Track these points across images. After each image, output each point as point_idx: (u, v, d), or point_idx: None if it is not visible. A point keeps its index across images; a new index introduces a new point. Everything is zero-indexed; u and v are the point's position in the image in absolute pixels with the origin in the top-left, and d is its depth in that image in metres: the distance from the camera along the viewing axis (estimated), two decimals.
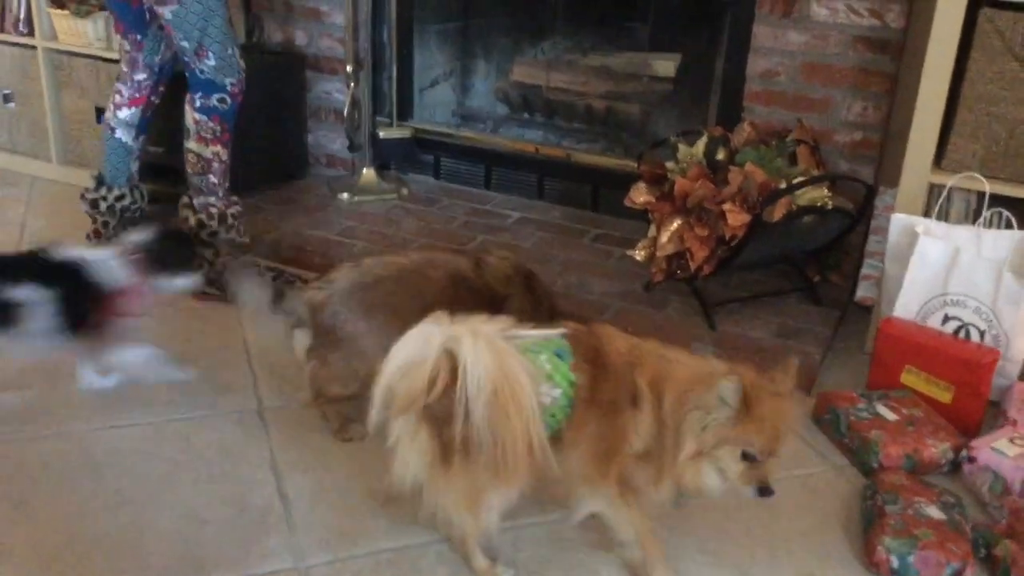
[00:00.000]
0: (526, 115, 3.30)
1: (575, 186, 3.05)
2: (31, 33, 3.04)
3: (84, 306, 1.86)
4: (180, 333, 2.29)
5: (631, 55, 3.14)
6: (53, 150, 3.15)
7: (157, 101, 2.52)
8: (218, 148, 2.39)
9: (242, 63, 2.37)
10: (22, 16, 3.05)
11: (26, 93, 3.13)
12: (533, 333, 1.47)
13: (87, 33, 2.92)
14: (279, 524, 1.66)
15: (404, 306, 1.74)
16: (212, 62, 2.30)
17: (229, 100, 2.36)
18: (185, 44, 2.28)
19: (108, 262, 1.90)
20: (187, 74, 2.35)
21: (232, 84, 2.35)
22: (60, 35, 3.00)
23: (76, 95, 3.04)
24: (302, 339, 1.87)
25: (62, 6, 2.94)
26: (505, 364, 1.34)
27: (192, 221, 2.42)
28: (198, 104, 2.35)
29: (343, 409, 1.92)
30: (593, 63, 3.19)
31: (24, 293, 1.79)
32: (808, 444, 1.98)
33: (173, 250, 1.98)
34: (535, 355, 1.45)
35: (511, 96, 3.32)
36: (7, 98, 3.17)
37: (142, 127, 2.52)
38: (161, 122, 2.63)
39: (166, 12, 2.24)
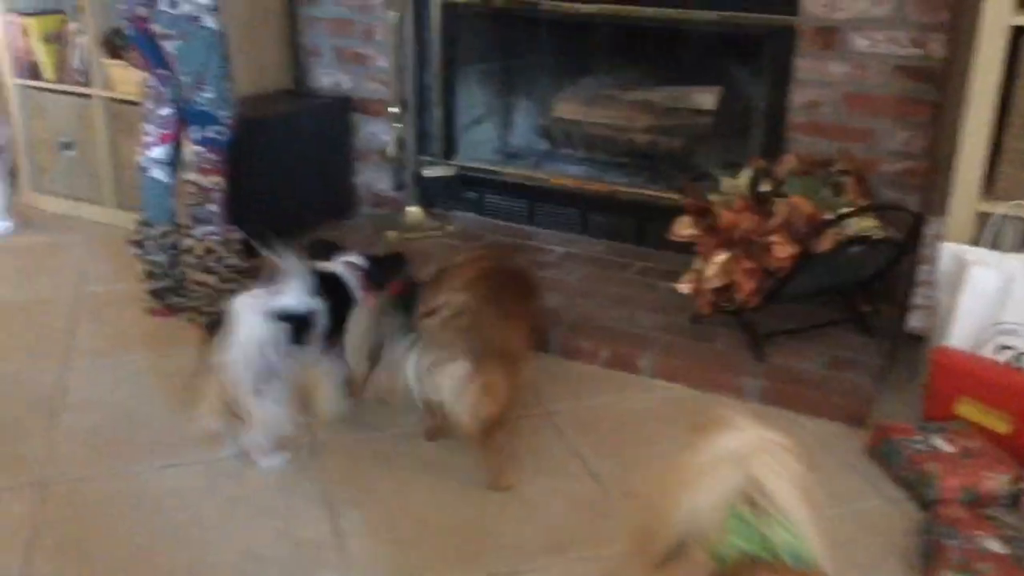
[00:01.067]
0: (568, 151, 3.33)
1: (618, 220, 3.06)
2: (88, 83, 3.15)
3: (341, 321, 1.94)
4: None
5: (672, 89, 3.16)
6: (109, 195, 3.24)
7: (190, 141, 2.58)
8: (217, 178, 2.48)
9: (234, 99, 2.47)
10: (80, 67, 3.16)
11: (83, 141, 3.23)
12: None
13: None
14: (333, 559, 1.68)
15: (506, 300, 1.89)
16: (210, 95, 2.40)
17: (225, 132, 2.46)
18: (185, 77, 2.38)
19: (351, 278, 2.05)
20: (183, 107, 2.44)
21: (227, 117, 2.45)
22: (116, 85, 3.10)
23: (132, 142, 3.13)
24: (451, 371, 1.77)
25: (118, 56, 3.04)
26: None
27: (198, 250, 2.49)
28: (196, 136, 2.45)
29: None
30: (634, 98, 3.21)
31: (315, 304, 1.93)
32: (863, 477, 1.95)
33: (394, 268, 2.12)
34: None
35: (553, 132, 3.36)
36: (66, 146, 3.28)
37: (175, 162, 2.58)
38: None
39: (170, 47, 2.35)
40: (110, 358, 2.39)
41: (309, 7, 3.30)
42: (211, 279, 2.49)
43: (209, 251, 2.48)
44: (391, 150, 3.22)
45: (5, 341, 2.46)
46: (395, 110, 3.15)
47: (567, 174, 3.20)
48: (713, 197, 2.34)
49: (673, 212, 2.44)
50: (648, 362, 2.34)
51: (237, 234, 2.54)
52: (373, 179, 3.41)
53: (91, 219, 3.28)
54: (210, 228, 2.49)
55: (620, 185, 3.07)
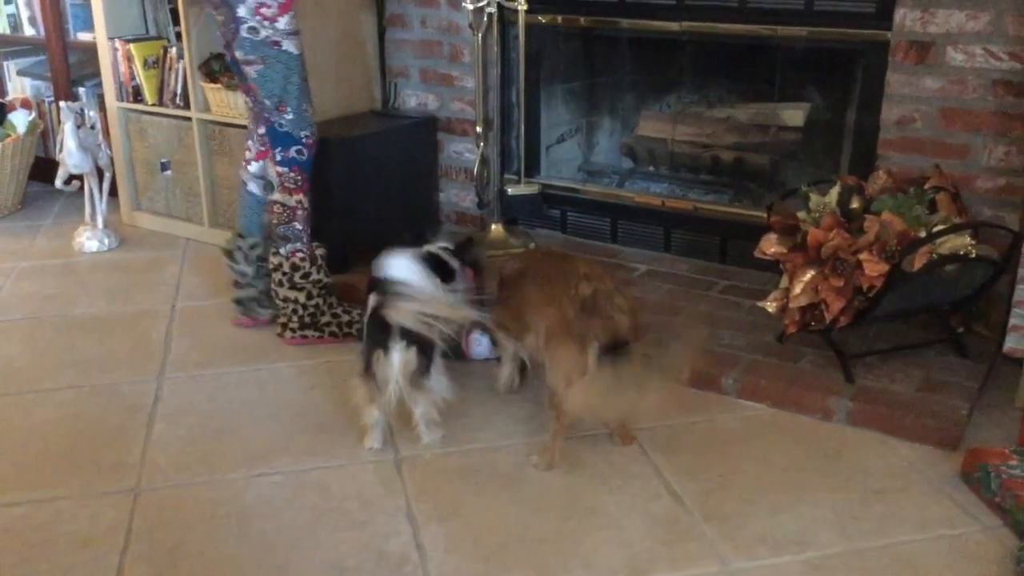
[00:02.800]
0: (652, 168, 3.32)
1: (702, 238, 3.03)
2: (186, 106, 3.27)
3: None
4: (320, 381, 2.39)
5: (758, 106, 3.13)
6: (205, 214, 3.35)
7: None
8: (300, 196, 2.54)
9: (314, 120, 2.52)
10: (179, 91, 3.28)
11: (181, 161, 3.36)
12: None
13: (238, 104, 3.11)
14: (415, 573, 1.70)
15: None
16: (290, 116, 2.46)
17: (306, 151, 2.51)
18: (267, 101, 2.44)
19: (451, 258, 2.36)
20: (266, 129, 2.50)
21: (307, 136, 2.50)
22: (213, 107, 3.21)
23: (227, 162, 3.24)
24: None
25: (215, 80, 3.15)
26: None
27: (285, 267, 2.55)
28: (279, 157, 2.50)
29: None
30: (719, 115, 3.19)
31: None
32: (956, 503, 1.88)
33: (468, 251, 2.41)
34: None
35: (637, 150, 3.35)
36: (164, 166, 3.41)
37: (271, 182, 2.65)
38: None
39: (252, 71, 2.42)
40: (203, 369, 2.47)
41: (397, 30, 3.37)
42: (299, 295, 2.55)
43: (295, 268, 2.54)
44: (475, 168, 3.26)
45: (105, 352, 2.57)
46: (479, 129, 3.19)
47: (651, 192, 3.19)
48: (801, 215, 2.30)
49: (758, 230, 2.41)
50: (733, 381, 2.31)
51: (322, 250, 2.60)
52: (457, 197, 3.46)
53: (186, 236, 3.40)
54: (296, 246, 2.55)
55: (704, 203, 3.05)
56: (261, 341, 2.61)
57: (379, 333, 1.99)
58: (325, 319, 2.61)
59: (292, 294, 2.56)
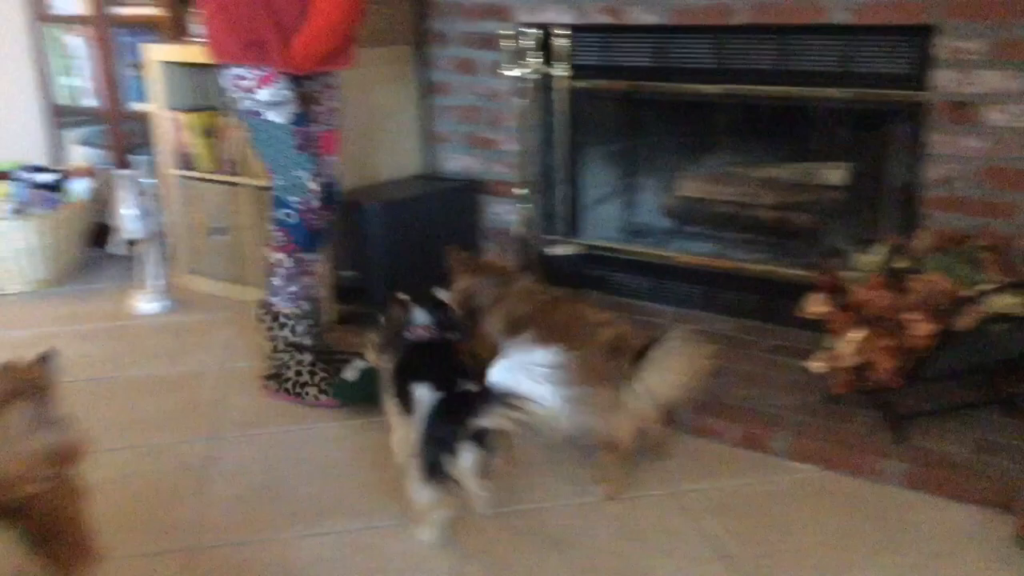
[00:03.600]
0: (693, 228, 3.35)
1: (745, 297, 3.04)
2: (237, 173, 3.37)
3: None
4: (368, 441, 2.41)
5: (798, 165, 3.16)
6: (254, 276, 3.43)
7: (322, 223, 2.66)
8: (281, 256, 2.60)
9: (313, 186, 2.53)
10: (231, 158, 3.39)
11: (232, 226, 3.45)
12: None
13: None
14: None
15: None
16: (280, 182, 2.54)
17: (295, 216, 2.56)
18: (261, 162, 2.57)
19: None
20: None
21: (297, 202, 2.54)
22: (261, 174, 3.30)
23: None
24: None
25: None
26: None
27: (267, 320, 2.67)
28: (271, 214, 2.59)
29: None
30: (759, 175, 3.22)
31: None
32: (1012, 568, 1.85)
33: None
34: None
35: (677, 210, 3.38)
36: (216, 231, 3.50)
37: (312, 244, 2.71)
38: (353, 246, 2.85)
39: (247, 136, 2.54)
40: (254, 429, 2.51)
41: (441, 97, 3.47)
42: (268, 345, 2.68)
43: (264, 319, 2.67)
44: (516, 229, 3.31)
45: (159, 412, 2.62)
46: (521, 191, 3.25)
47: (692, 251, 3.21)
48: (846, 274, 2.31)
49: (802, 289, 2.42)
50: (781, 442, 2.30)
51: (300, 311, 2.64)
52: (498, 257, 3.50)
53: (238, 298, 3.47)
54: (272, 299, 2.64)
55: (746, 262, 3.06)
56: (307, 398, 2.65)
57: (445, 435, 1.86)
58: (287, 375, 2.66)
59: (266, 343, 2.67)
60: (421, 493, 1.91)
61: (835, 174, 3.09)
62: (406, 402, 1.99)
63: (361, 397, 2.55)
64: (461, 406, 1.85)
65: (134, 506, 2.14)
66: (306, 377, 2.64)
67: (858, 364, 2.22)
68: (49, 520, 1.44)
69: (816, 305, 2.31)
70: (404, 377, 2.03)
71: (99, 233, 3.91)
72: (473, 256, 2.62)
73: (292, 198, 2.54)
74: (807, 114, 3.04)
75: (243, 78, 2.43)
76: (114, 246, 3.43)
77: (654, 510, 2.09)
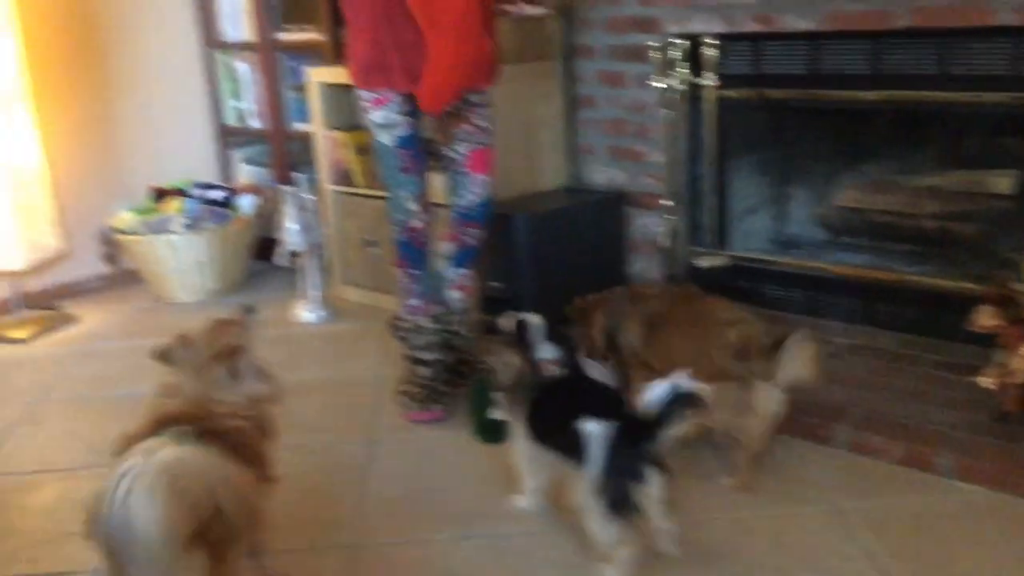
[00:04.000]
0: (850, 239, 3.25)
1: (907, 310, 2.92)
2: None
3: None
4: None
5: (963, 173, 3.01)
6: None
7: (469, 240, 2.74)
8: (398, 271, 2.73)
9: (413, 207, 2.60)
10: None
11: (385, 239, 3.56)
12: None
13: (434, 185, 3.32)
14: None
15: None
16: (388, 199, 2.66)
17: (396, 232, 2.67)
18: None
19: None
20: None
21: (396, 220, 2.65)
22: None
23: None
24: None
25: None
26: None
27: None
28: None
29: None
30: (921, 183, 3.09)
31: None
32: None
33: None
34: None
35: (833, 220, 3.29)
36: (370, 243, 3.65)
37: (459, 259, 2.77)
38: (500, 258, 2.92)
39: None
40: (408, 433, 2.60)
41: (586, 111, 3.50)
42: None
43: (395, 329, 2.79)
44: (663, 241, 3.30)
45: (320, 415, 2.75)
46: (668, 203, 3.24)
47: (849, 263, 3.11)
48: (1018, 286, 2.19)
49: (969, 302, 2.31)
50: (947, 461, 2.20)
51: (410, 324, 2.74)
52: (645, 269, 3.50)
53: (390, 309, 3.59)
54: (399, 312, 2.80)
55: (908, 274, 2.94)
56: (461, 405, 2.72)
57: (630, 463, 1.79)
58: (402, 387, 2.76)
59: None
60: (607, 531, 1.81)
61: (1002, 182, 2.93)
62: (563, 443, 1.89)
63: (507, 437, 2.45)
64: (638, 432, 1.79)
65: (299, 503, 2.25)
66: (415, 389, 2.71)
67: None
68: (243, 449, 1.72)
69: (986, 318, 2.21)
70: (551, 416, 1.97)
71: (263, 246, 4.14)
72: (595, 297, 2.60)
73: (397, 216, 2.65)
74: (971, 120, 2.90)
75: (363, 99, 2.55)
76: (278, 258, 3.62)
77: (812, 527, 2.04)
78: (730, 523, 2.08)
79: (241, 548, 1.61)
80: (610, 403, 1.91)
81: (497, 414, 2.45)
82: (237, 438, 1.72)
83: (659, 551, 1.91)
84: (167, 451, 1.50)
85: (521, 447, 2.09)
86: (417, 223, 2.64)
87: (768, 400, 2.12)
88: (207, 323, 1.93)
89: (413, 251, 2.68)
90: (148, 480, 1.42)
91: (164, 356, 1.85)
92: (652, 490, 1.78)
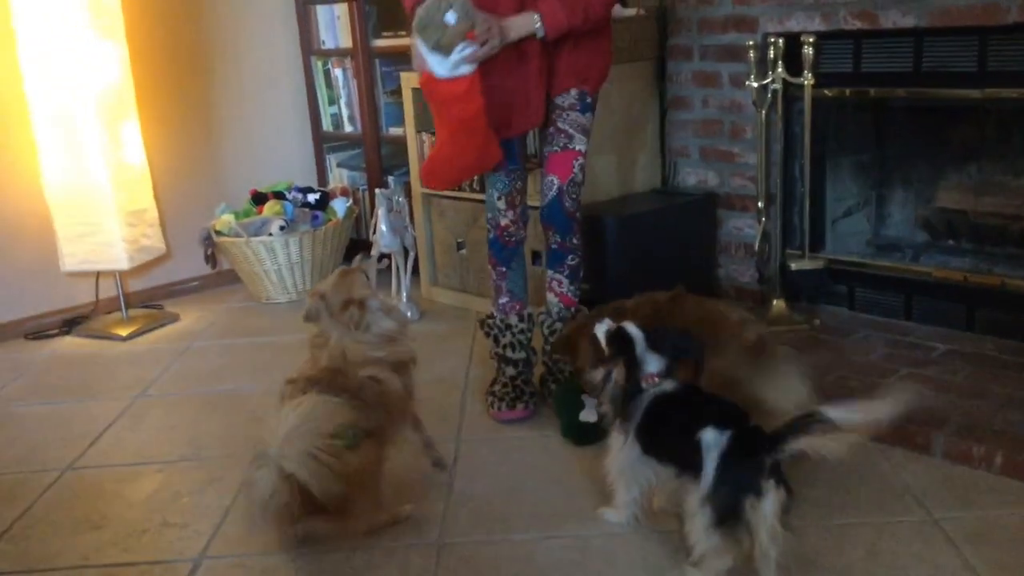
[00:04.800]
0: (951, 242, 3.13)
1: (1012, 316, 2.80)
2: (481, 190, 3.53)
3: None
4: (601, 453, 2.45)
5: None
6: (488, 289, 3.57)
7: (552, 243, 2.69)
8: (489, 267, 2.78)
9: (501, 205, 2.65)
10: (475, 177, 3.56)
11: (473, 241, 3.62)
12: None
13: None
14: None
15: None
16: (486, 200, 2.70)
17: (489, 231, 2.72)
18: None
19: None
20: None
21: (488, 218, 2.71)
22: None
23: None
24: None
25: None
26: None
27: None
28: None
29: None
30: None
31: None
32: None
33: None
34: None
35: (933, 222, 3.18)
36: (459, 245, 3.69)
37: (550, 262, 2.74)
38: (590, 259, 2.92)
39: None
40: (494, 433, 2.62)
41: (679, 112, 3.47)
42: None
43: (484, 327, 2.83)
44: (756, 244, 3.24)
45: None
46: (761, 204, 3.18)
47: (951, 266, 3.00)
48: None
49: None
50: None
51: (498, 322, 2.77)
52: (736, 272, 3.44)
53: (477, 309, 3.63)
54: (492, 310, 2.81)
55: (1012, 277, 2.82)
56: (548, 412, 2.72)
57: (746, 473, 1.73)
58: (491, 387, 2.79)
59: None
60: (710, 539, 1.76)
61: None
62: (680, 454, 1.86)
63: (599, 438, 2.38)
64: (757, 442, 1.75)
65: (390, 498, 2.28)
66: (498, 388, 2.73)
67: None
68: (377, 398, 2.12)
69: None
70: (667, 428, 1.92)
71: (356, 247, 4.23)
72: (575, 324, 2.51)
73: (488, 213, 2.69)
74: None
75: None
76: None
77: (908, 536, 1.98)
78: (823, 530, 2.02)
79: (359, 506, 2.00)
80: (728, 414, 1.83)
81: (588, 416, 2.46)
82: (372, 389, 2.12)
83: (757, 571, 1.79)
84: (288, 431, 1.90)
85: (622, 460, 2.01)
86: (504, 221, 2.66)
87: (777, 403, 2.04)
88: (334, 275, 2.23)
89: (501, 248, 2.71)
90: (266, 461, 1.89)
91: (308, 316, 2.20)
92: (767, 505, 1.70)
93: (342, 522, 2.00)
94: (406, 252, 3.68)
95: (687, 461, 1.81)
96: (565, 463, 2.42)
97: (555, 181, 2.60)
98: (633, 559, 1.97)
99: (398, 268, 3.68)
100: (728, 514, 1.72)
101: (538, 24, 2.41)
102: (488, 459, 2.47)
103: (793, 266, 3.19)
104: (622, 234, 3.09)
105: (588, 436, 2.47)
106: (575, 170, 2.59)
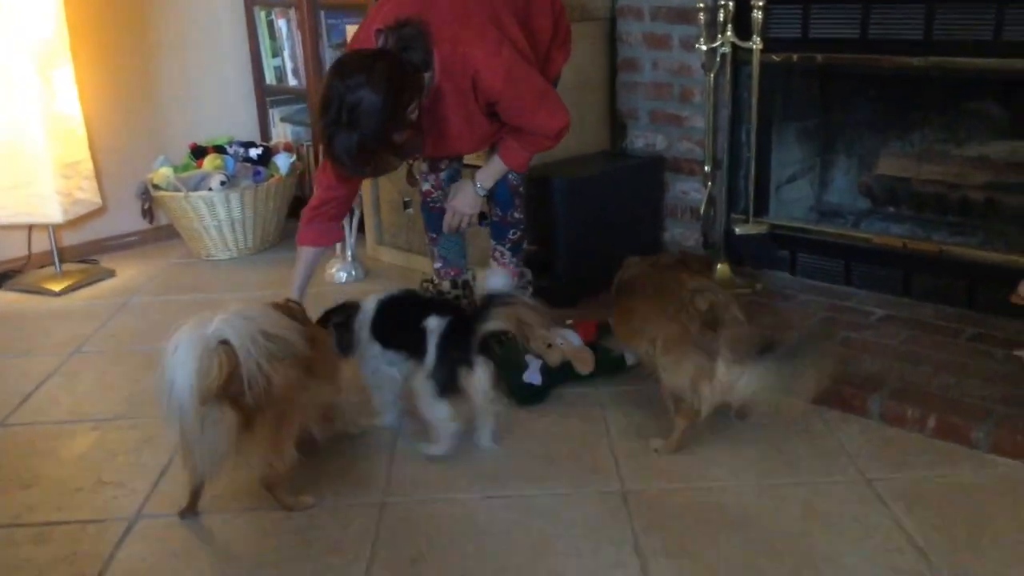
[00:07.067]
0: (892, 209, 3.18)
1: (948, 282, 2.86)
2: None
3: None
4: (547, 410, 2.46)
5: (1013, 143, 2.93)
6: None
7: (493, 216, 2.72)
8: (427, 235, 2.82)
9: (423, 166, 2.70)
10: None
11: (416, 201, 3.57)
12: None
13: None
14: None
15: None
16: None
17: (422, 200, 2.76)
18: None
19: None
20: None
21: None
22: None
23: None
24: None
25: None
26: None
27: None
28: None
29: None
30: (969, 153, 3.01)
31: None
32: None
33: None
34: None
35: (875, 190, 3.22)
36: (406, 204, 3.64)
37: (494, 232, 2.76)
38: (538, 221, 2.91)
39: None
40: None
41: (628, 74, 3.45)
42: None
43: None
44: (701, 207, 3.26)
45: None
46: (708, 168, 3.19)
47: (890, 233, 3.05)
48: None
49: (1012, 275, 2.26)
50: (984, 435, 2.15)
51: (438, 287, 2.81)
52: (682, 236, 3.46)
53: (423, 269, 3.59)
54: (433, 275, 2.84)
55: (951, 245, 2.88)
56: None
57: (457, 348, 2.16)
58: None
59: None
60: (437, 409, 2.18)
61: None
62: (412, 344, 2.21)
63: (546, 397, 2.54)
64: (468, 324, 2.16)
65: (329, 461, 2.26)
66: None
67: None
68: (313, 345, 2.08)
69: None
70: (398, 324, 2.28)
71: (300, 205, 4.15)
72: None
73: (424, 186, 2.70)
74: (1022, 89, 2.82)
75: None
76: None
77: (842, 496, 2.02)
78: (758, 490, 2.06)
79: (274, 422, 1.92)
80: (448, 306, 2.32)
81: (531, 377, 2.48)
82: (314, 330, 2.19)
83: (479, 444, 2.27)
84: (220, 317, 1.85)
85: (370, 363, 2.35)
86: (427, 186, 2.66)
87: (728, 375, 2.06)
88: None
89: (428, 214, 2.70)
90: (187, 338, 1.81)
91: None
92: (478, 374, 2.15)
93: (243, 438, 1.89)
94: (351, 211, 3.62)
95: (417, 348, 2.19)
96: (508, 425, 2.42)
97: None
98: (575, 518, 1.99)
99: (343, 226, 3.62)
100: (448, 385, 2.14)
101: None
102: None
103: (738, 231, 3.22)
104: (571, 196, 3.07)
105: (532, 397, 2.51)
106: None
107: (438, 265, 2.75)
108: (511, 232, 2.69)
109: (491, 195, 2.63)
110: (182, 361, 1.79)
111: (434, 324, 2.19)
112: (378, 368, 2.34)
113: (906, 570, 1.76)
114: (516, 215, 2.66)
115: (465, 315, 2.26)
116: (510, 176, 2.58)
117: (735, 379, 2.04)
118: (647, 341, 2.22)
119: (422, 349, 2.18)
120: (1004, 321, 2.66)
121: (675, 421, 2.22)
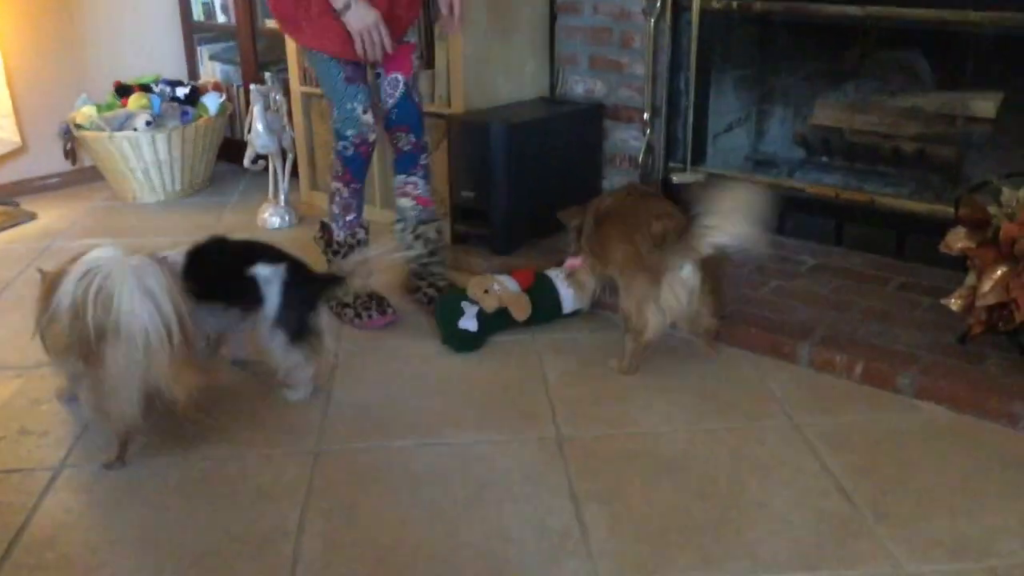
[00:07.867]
0: (826, 159, 3.22)
1: (878, 232, 2.92)
2: None
3: None
4: (486, 359, 2.45)
5: (945, 95, 2.98)
6: (377, 195, 3.49)
7: (403, 145, 2.67)
8: (339, 184, 2.63)
9: (368, 119, 2.51)
10: None
11: None
12: None
13: None
14: (577, 549, 1.72)
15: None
16: (335, 114, 2.52)
17: (350, 148, 2.54)
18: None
19: None
20: None
21: (352, 135, 2.52)
22: None
23: None
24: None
25: None
26: None
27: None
28: (334, 145, 2.60)
29: None
30: (902, 104, 3.05)
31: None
32: None
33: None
34: None
35: (810, 140, 3.25)
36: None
37: (399, 166, 2.72)
38: (474, 167, 2.86)
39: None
40: (377, 343, 2.58)
41: (568, 17, 3.40)
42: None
43: (328, 244, 2.71)
44: (639, 155, 3.25)
45: None
46: (646, 116, 3.18)
47: (823, 183, 3.09)
48: (992, 209, 2.18)
49: (941, 224, 2.30)
50: (909, 381, 2.21)
51: (357, 239, 2.67)
52: (619, 183, 3.45)
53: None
54: (332, 225, 2.67)
55: (881, 195, 2.93)
56: (428, 320, 2.69)
57: (303, 293, 2.19)
58: (344, 299, 2.71)
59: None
60: (290, 356, 2.18)
61: (984, 105, 2.90)
62: (240, 296, 2.17)
63: (482, 343, 2.55)
64: (306, 270, 2.21)
65: (264, 411, 2.23)
66: (358, 302, 2.67)
67: (998, 303, 2.11)
68: None
69: (958, 240, 2.20)
70: (217, 275, 2.18)
71: (230, 147, 4.04)
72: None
73: (348, 131, 2.52)
74: (957, 40, 2.86)
75: None
76: (245, 161, 3.53)
77: (772, 441, 2.06)
78: (690, 434, 2.09)
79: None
80: (268, 252, 2.21)
81: (467, 323, 2.47)
82: None
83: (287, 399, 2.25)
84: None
85: None
86: (372, 136, 2.55)
87: (674, 294, 2.22)
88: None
89: (362, 164, 2.60)
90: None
91: None
92: (323, 315, 2.20)
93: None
94: (284, 154, 3.53)
95: (249, 299, 2.15)
96: (444, 371, 2.41)
97: (399, 78, 2.56)
98: (511, 465, 1.99)
99: (275, 171, 3.53)
100: (298, 331, 2.15)
101: None
102: (367, 368, 2.44)
103: (675, 179, 3.22)
104: (509, 143, 3.03)
105: (468, 343, 2.50)
106: (415, 63, 2.59)
107: (352, 217, 2.65)
108: (422, 157, 2.68)
109: (400, 121, 2.60)
110: (141, 293, 1.80)
111: (268, 272, 2.15)
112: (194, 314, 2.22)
113: (831, 512, 1.81)
114: (425, 139, 2.68)
115: (294, 259, 2.23)
116: (415, 97, 2.60)
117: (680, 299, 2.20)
118: (613, 265, 2.34)
119: (247, 299, 2.15)
120: (932, 270, 2.72)
121: (627, 342, 2.32)
